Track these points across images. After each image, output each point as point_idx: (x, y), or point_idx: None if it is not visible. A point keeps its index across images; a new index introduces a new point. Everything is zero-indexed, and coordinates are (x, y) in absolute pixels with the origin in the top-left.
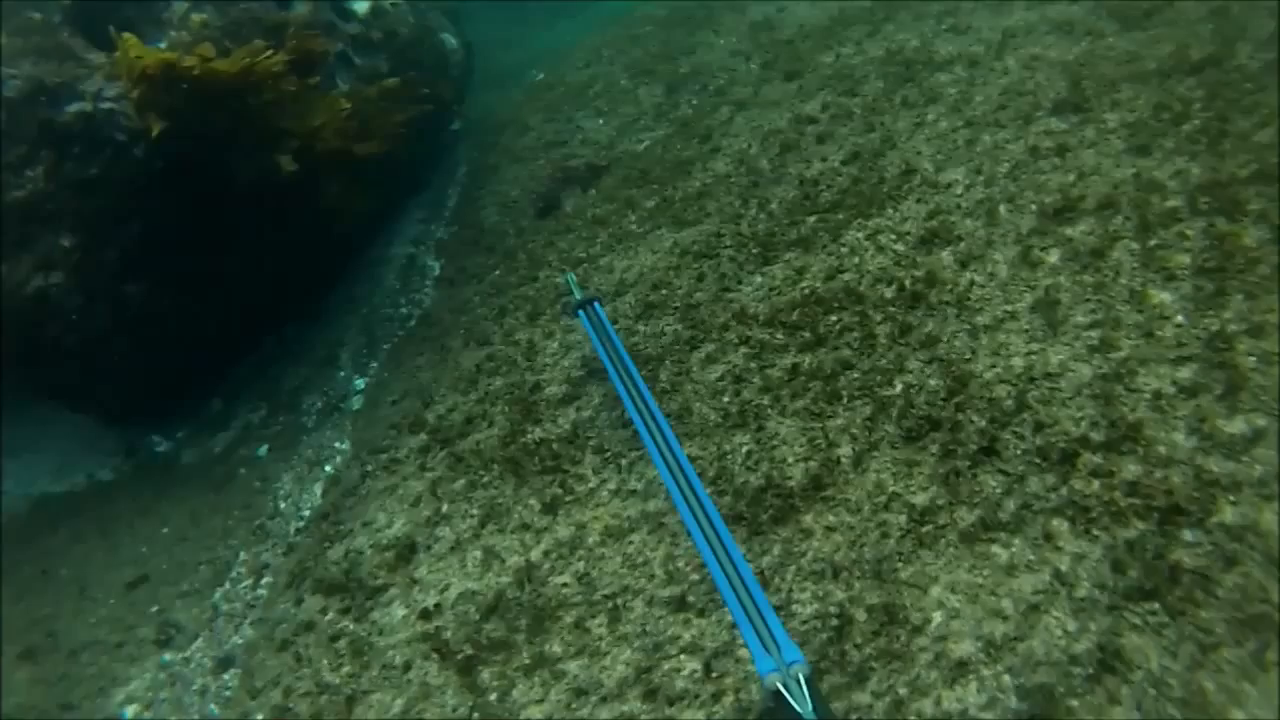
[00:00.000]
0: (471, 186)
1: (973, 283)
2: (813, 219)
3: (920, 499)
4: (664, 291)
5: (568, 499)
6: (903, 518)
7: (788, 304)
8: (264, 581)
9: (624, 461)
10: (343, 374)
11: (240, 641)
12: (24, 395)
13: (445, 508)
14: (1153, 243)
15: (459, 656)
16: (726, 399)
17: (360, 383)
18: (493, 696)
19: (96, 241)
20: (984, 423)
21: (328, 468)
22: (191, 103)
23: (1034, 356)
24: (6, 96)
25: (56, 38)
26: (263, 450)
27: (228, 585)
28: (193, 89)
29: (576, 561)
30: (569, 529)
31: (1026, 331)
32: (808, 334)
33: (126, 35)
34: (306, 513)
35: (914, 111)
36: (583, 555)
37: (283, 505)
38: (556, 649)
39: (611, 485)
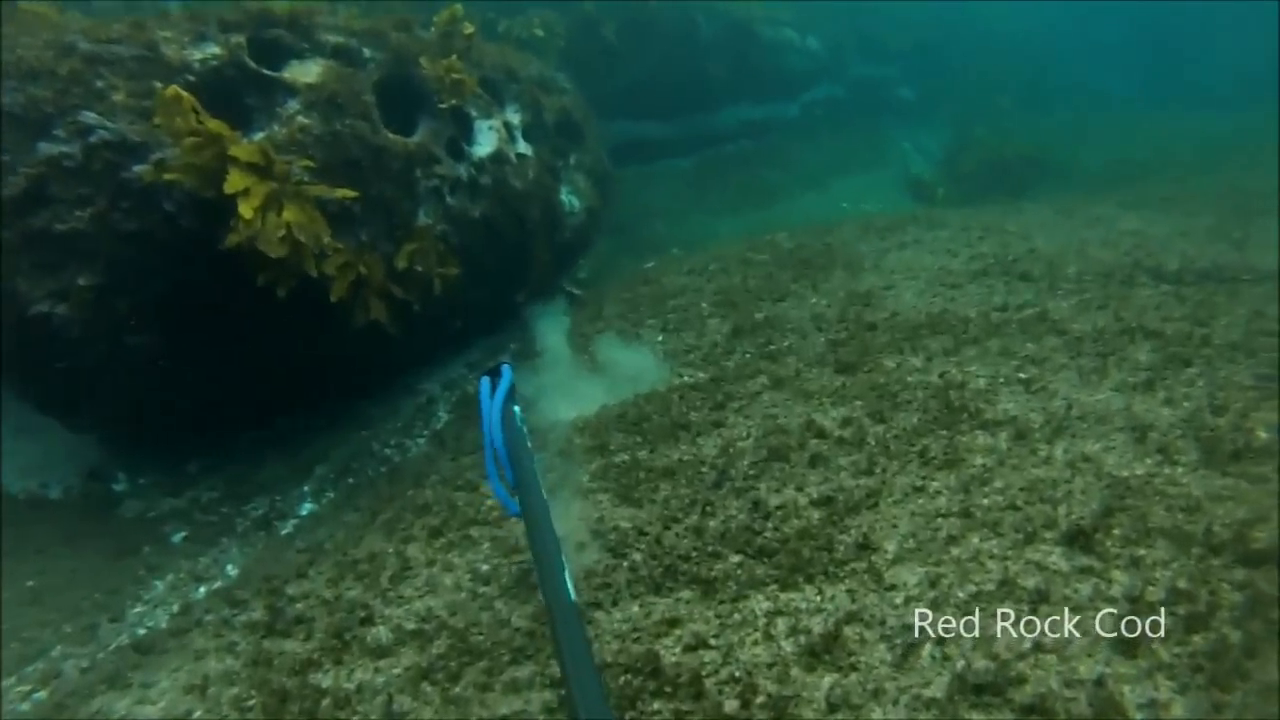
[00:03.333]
0: (525, 350)
1: None
2: (737, 558)
3: None
4: (533, 579)
5: None
6: None
7: (623, 662)
8: (35, 697)
9: None
10: (301, 490)
11: None
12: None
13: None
14: None
15: None
16: None
17: (307, 508)
18: None
19: (113, 289)
20: None
21: (200, 590)
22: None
23: None
24: (91, 143)
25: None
26: (178, 537)
27: (12, 680)
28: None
29: None
30: None
31: None
32: None
33: (177, 92)
34: (140, 633)
35: (925, 470)
36: None
37: (131, 613)
38: None
39: None
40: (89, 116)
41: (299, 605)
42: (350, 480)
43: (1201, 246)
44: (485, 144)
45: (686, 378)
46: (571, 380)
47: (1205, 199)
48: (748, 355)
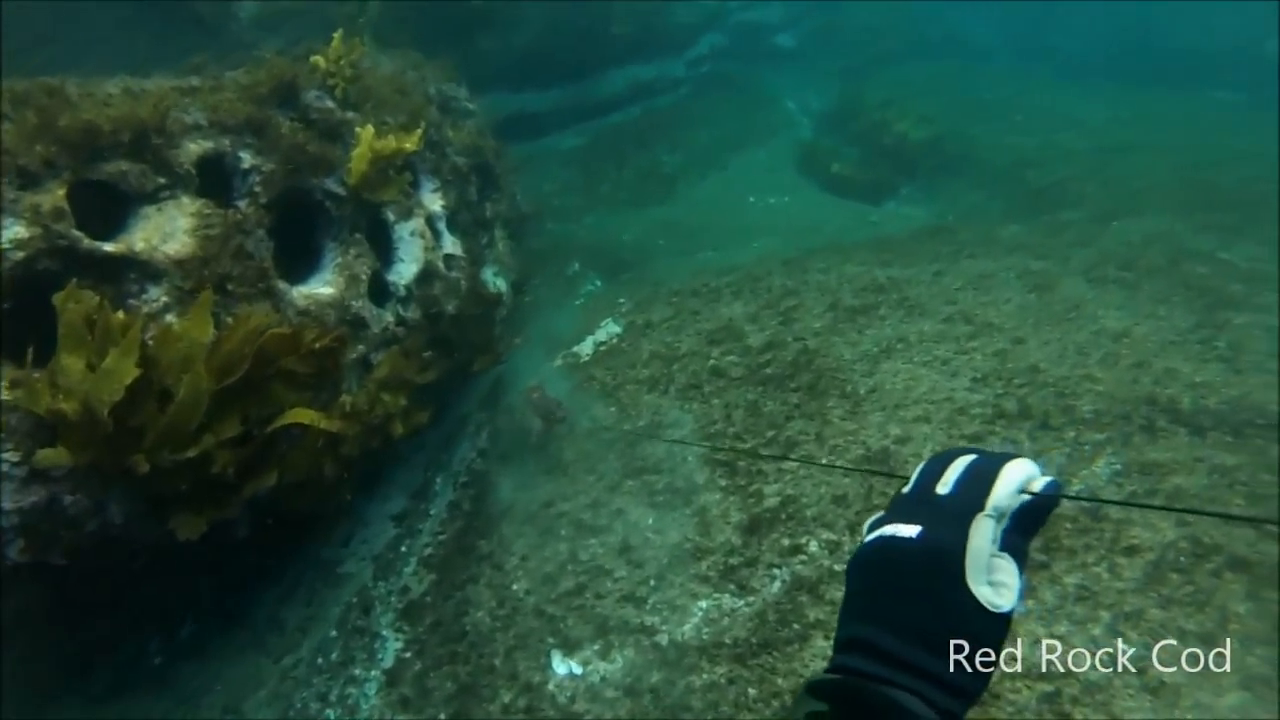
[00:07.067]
0: (465, 508)
1: None
2: None
3: None
4: None
5: None
6: None
7: None
8: None
9: None
10: None
11: None
12: None
13: None
14: None
15: None
16: None
17: None
18: None
19: None
20: None
21: None
22: None
23: None
24: None
25: None
26: None
27: None
28: None
29: None
30: None
31: None
32: None
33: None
34: None
35: None
36: None
37: None
38: None
39: None
40: None
41: None
42: None
43: (1197, 365)
44: (409, 259)
45: (709, 607)
46: (545, 614)
47: (1161, 270)
48: (779, 581)
